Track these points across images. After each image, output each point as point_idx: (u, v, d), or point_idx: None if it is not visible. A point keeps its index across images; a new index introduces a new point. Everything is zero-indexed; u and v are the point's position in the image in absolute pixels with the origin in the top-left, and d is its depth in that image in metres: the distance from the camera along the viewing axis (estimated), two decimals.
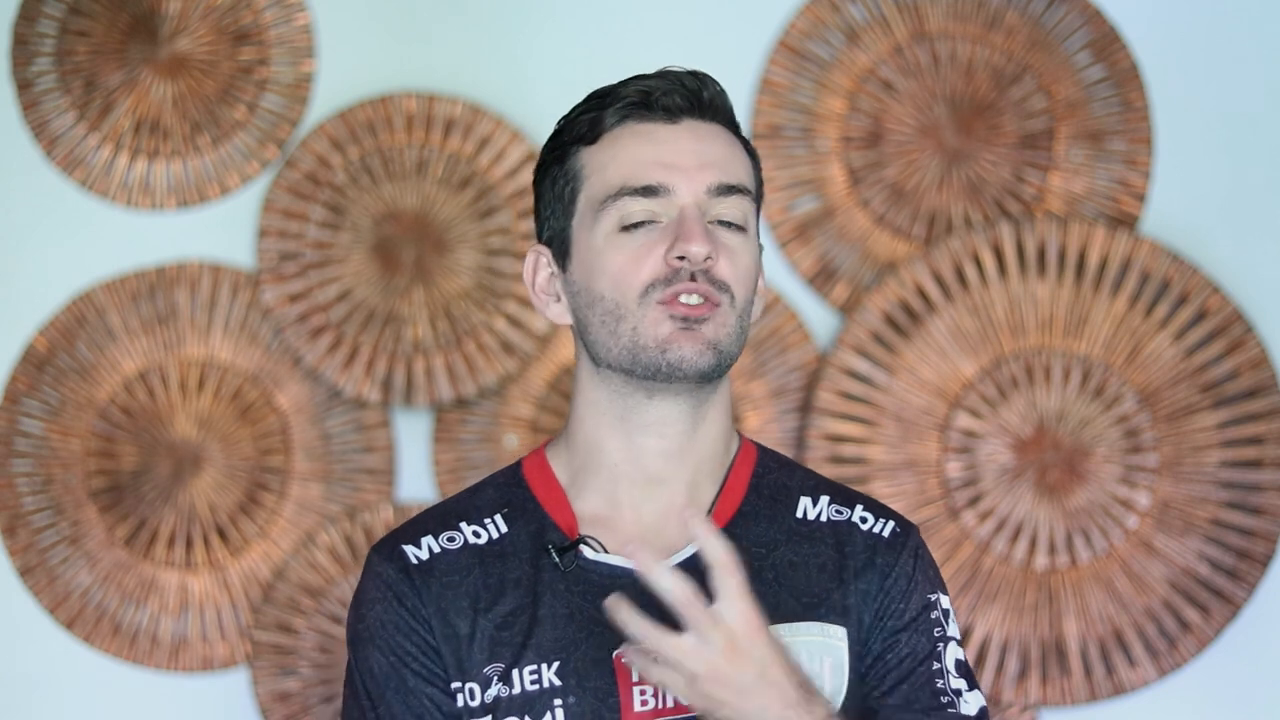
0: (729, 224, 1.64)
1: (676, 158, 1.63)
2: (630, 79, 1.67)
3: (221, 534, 2.95)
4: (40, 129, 2.97)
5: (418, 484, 2.97)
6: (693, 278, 1.60)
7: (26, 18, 2.96)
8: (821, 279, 2.96)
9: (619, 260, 1.62)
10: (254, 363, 2.97)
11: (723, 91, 1.67)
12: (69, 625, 2.93)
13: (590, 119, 1.66)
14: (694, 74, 1.67)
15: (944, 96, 2.96)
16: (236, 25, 2.98)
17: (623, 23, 2.98)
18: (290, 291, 2.95)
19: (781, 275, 2.95)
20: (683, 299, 1.60)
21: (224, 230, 2.98)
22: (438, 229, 2.95)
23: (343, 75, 2.98)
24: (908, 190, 2.95)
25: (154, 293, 2.97)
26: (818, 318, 2.96)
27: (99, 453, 2.96)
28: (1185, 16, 2.96)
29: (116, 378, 2.96)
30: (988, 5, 2.96)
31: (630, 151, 1.64)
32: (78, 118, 2.97)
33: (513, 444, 2.95)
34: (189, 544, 2.94)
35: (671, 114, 1.65)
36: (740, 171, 1.66)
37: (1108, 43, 2.95)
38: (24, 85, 2.97)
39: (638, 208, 1.63)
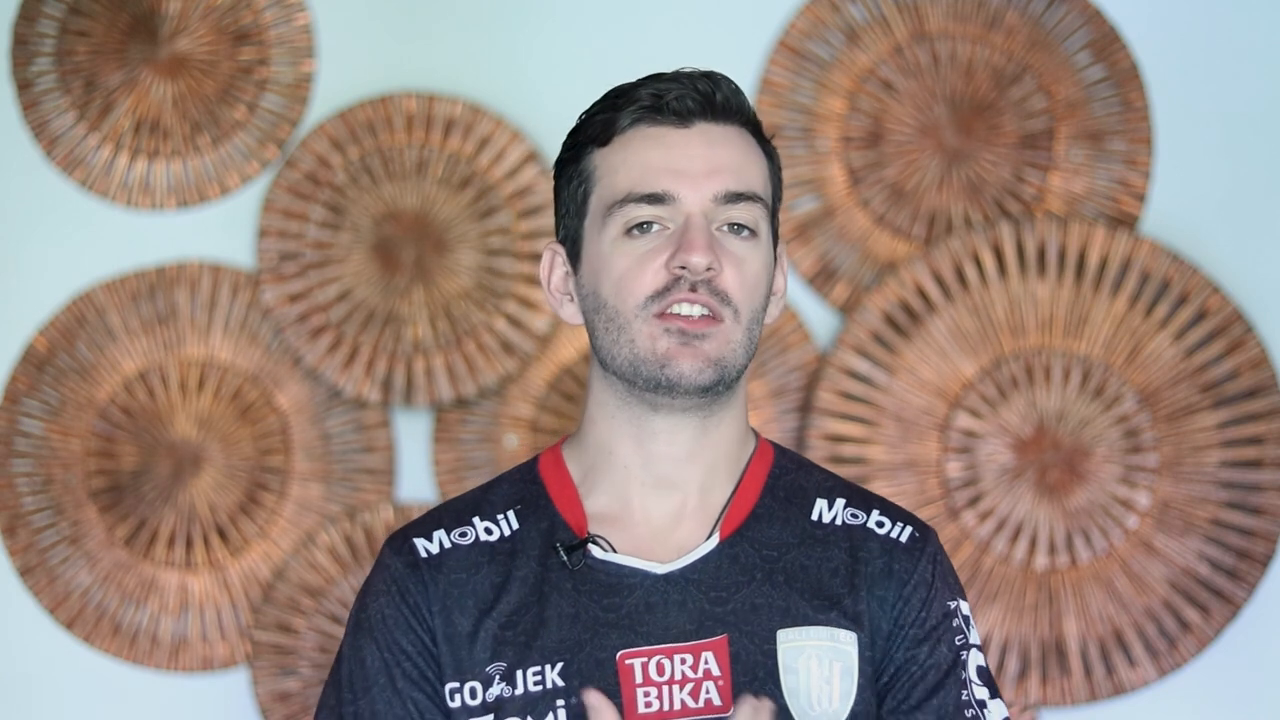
0: (739, 229, 1.63)
1: (685, 164, 1.62)
2: (646, 79, 1.66)
3: (221, 534, 2.94)
4: (40, 129, 2.96)
5: (418, 484, 2.97)
6: (694, 288, 1.60)
7: (26, 18, 2.96)
8: (821, 279, 2.96)
9: (622, 266, 1.62)
10: (254, 363, 2.97)
11: (738, 91, 1.66)
12: (69, 625, 2.93)
13: (603, 120, 1.65)
14: (708, 75, 1.65)
15: (944, 96, 2.96)
16: (236, 25, 2.97)
17: (623, 23, 2.98)
18: (290, 291, 2.94)
19: None
20: (681, 309, 1.60)
21: (224, 230, 2.98)
22: (438, 229, 2.95)
23: (343, 75, 2.98)
24: (908, 190, 2.95)
25: (154, 293, 2.96)
26: (818, 318, 2.96)
27: (99, 453, 2.95)
28: (1185, 16, 2.96)
29: (116, 378, 2.96)
30: (988, 5, 2.96)
31: (640, 156, 1.63)
32: (78, 118, 2.97)
33: (513, 444, 2.95)
34: (189, 544, 2.94)
35: (683, 117, 1.64)
36: (752, 176, 1.65)
37: (1108, 43, 2.95)
38: (24, 85, 2.97)
39: (644, 213, 1.62)
